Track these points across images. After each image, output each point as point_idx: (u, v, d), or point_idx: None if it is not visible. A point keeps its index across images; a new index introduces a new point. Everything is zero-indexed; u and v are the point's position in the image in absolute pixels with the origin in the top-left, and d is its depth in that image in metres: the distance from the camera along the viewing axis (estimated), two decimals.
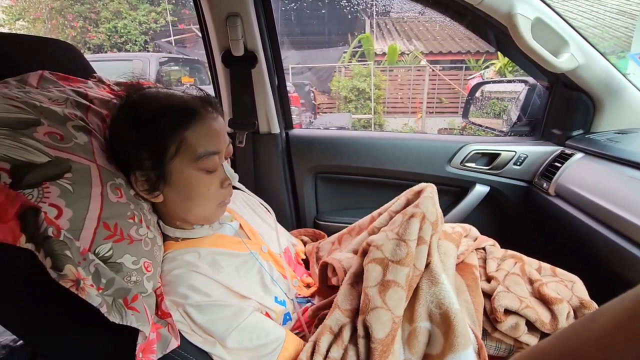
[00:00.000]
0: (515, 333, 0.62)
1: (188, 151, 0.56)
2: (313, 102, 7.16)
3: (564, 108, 1.09)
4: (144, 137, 0.55)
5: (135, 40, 8.32)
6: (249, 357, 0.55)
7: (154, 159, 0.56)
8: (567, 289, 0.69)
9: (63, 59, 0.74)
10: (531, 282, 0.70)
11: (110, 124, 0.59)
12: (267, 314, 0.63)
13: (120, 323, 0.43)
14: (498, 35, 1.00)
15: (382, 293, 0.56)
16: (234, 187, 0.67)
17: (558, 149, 1.08)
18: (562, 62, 0.92)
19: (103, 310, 0.42)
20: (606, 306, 0.22)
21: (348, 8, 8.12)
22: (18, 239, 0.39)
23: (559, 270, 0.75)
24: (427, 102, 7.54)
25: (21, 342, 1.00)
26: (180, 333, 0.53)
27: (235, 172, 0.65)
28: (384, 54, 7.82)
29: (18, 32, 8.00)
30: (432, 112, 7.65)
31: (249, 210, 0.83)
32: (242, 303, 0.58)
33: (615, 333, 0.20)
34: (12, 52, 0.62)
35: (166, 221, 0.64)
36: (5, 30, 8.02)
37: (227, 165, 0.62)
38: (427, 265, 0.64)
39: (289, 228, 0.96)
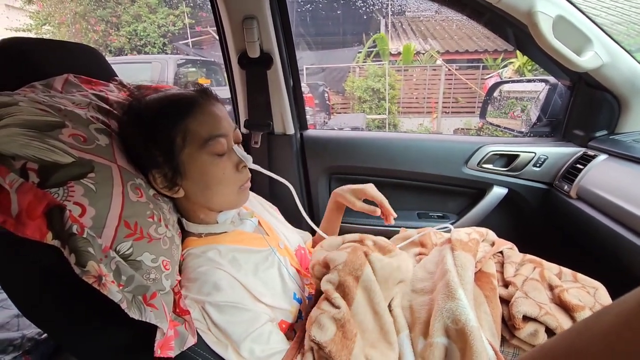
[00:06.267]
0: (534, 340, 0.60)
1: (194, 139, 0.57)
2: (327, 102, 7.16)
3: (587, 108, 1.05)
4: (150, 136, 0.57)
5: (154, 43, 8.52)
6: None
7: (164, 154, 0.57)
8: (590, 295, 0.66)
9: (87, 63, 0.76)
10: (551, 287, 0.68)
11: (119, 131, 0.59)
12: (282, 321, 0.63)
13: (139, 319, 0.44)
14: (517, 33, 0.98)
15: (320, 305, 0.59)
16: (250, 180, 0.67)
17: (580, 150, 1.05)
18: (586, 61, 0.89)
19: (123, 306, 0.43)
20: (613, 304, 0.22)
21: (363, 8, 8.08)
22: (45, 235, 0.41)
23: (580, 276, 0.72)
24: (443, 102, 7.43)
25: (46, 335, 1.03)
26: (196, 331, 0.54)
27: (250, 174, 0.65)
28: (399, 53, 7.74)
29: (44, 36, 8.33)
30: (448, 112, 7.54)
31: (260, 207, 0.85)
32: (258, 309, 0.58)
33: (621, 330, 0.20)
34: (40, 57, 0.65)
35: (190, 217, 0.66)
36: (32, 34, 8.36)
37: (238, 148, 0.63)
38: (444, 277, 0.64)
39: (302, 228, 0.96)
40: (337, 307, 0.58)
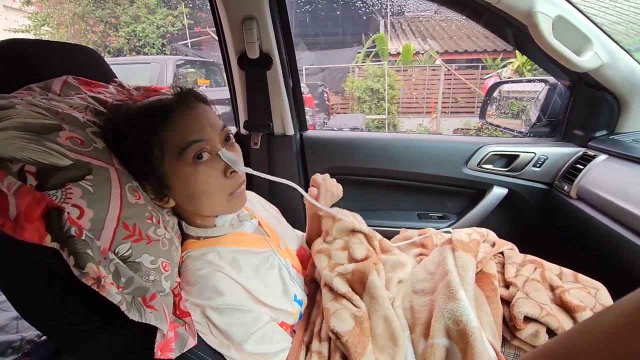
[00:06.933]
0: (535, 341, 0.60)
1: (171, 149, 0.55)
2: (326, 102, 7.16)
3: (587, 108, 1.05)
4: (130, 150, 0.55)
5: (153, 44, 8.52)
6: None
7: (146, 167, 0.55)
8: (591, 296, 0.66)
9: (86, 64, 0.76)
10: (552, 288, 0.67)
11: (106, 144, 0.57)
12: (283, 323, 0.63)
13: (139, 321, 0.44)
14: (517, 33, 0.98)
15: (338, 300, 0.62)
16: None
17: (580, 150, 1.05)
18: (585, 61, 0.89)
19: (123, 308, 0.43)
20: (613, 305, 0.22)
21: (363, 9, 8.09)
22: (44, 238, 0.41)
23: (581, 276, 0.72)
24: (442, 102, 7.44)
25: (45, 337, 1.03)
26: (197, 333, 0.54)
27: (243, 177, 0.63)
28: (398, 53, 7.75)
29: (43, 37, 8.33)
30: (448, 112, 7.54)
31: (261, 208, 0.84)
32: (260, 310, 0.58)
33: (621, 331, 0.20)
34: (40, 58, 0.65)
35: (188, 221, 0.65)
36: (31, 35, 8.35)
37: (225, 152, 0.58)
38: (444, 278, 0.64)
39: (303, 229, 0.96)
40: (357, 307, 0.61)
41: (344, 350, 0.57)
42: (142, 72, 4.34)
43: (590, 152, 1.00)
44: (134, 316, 0.44)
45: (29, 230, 0.40)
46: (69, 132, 0.49)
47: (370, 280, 0.63)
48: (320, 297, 0.68)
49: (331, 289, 0.65)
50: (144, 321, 0.44)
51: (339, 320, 0.58)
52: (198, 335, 0.54)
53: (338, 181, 0.82)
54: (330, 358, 0.59)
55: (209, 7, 1.14)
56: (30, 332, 1.04)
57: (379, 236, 0.78)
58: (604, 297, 0.66)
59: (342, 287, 0.64)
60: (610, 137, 1.02)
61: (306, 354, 0.61)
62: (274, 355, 0.57)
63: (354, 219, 0.79)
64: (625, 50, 0.91)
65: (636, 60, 0.93)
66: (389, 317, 0.61)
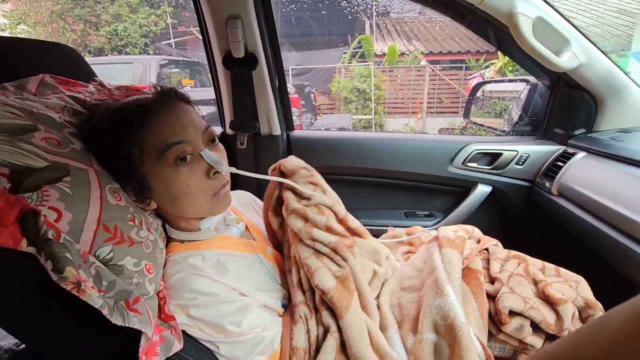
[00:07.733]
0: (520, 334, 0.61)
1: (151, 150, 0.53)
2: (313, 103, 7.16)
3: (566, 107, 1.08)
4: (108, 150, 0.53)
5: (136, 43, 8.35)
6: (258, 331, 0.56)
7: (125, 169, 0.54)
8: (572, 289, 0.68)
9: (65, 63, 0.74)
10: (535, 282, 0.69)
11: (83, 144, 0.54)
12: None
13: (122, 325, 0.43)
14: (498, 34, 1.00)
15: (319, 258, 0.61)
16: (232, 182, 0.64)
17: (560, 148, 1.08)
18: (564, 61, 0.92)
19: (105, 312, 0.42)
20: (615, 310, 0.21)
21: (348, 9, 8.13)
22: (19, 242, 0.39)
23: (562, 271, 0.74)
24: (428, 102, 7.54)
25: (24, 345, 0.99)
26: (185, 334, 0.53)
27: (227, 178, 0.61)
28: (384, 54, 7.82)
29: (19, 36, 8.04)
30: (433, 112, 7.65)
31: (252, 211, 0.83)
32: (247, 299, 0.58)
33: (625, 338, 0.19)
34: (15, 56, 0.62)
35: (172, 224, 0.64)
36: (6, 34, 8.05)
37: (208, 152, 0.56)
38: (432, 274, 0.65)
39: None
40: (340, 267, 0.61)
41: (330, 305, 0.58)
42: (125, 72, 4.24)
43: (570, 150, 1.03)
44: (116, 320, 0.42)
45: (4, 235, 0.38)
46: (44, 132, 0.47)
47: (349, 259, 0.63)
48: (289, 249, 0.67)
49: (308, 246, 0.63)
50: (127, 325, 0.43)
51: (321, 279, 0.58)
52: (185, 335, 0.53)
53: (325, 180, 0.81)
54: (317, 310, 0.60)
55: (192, 6, 1.12)
56: (9, 341, 1.00)
57: (357, 224, 0.72)
58: (585, 290, 0.68)
59: (323, 248, 0.62)
60: (589, 135, 1.05)
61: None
62: (271, 323, 0.58)
63: (335, 196, 0.74)
64: (602, 52, 0.95)
65: (612, 62, 0.96)
66: (362, 292, 0.62)
